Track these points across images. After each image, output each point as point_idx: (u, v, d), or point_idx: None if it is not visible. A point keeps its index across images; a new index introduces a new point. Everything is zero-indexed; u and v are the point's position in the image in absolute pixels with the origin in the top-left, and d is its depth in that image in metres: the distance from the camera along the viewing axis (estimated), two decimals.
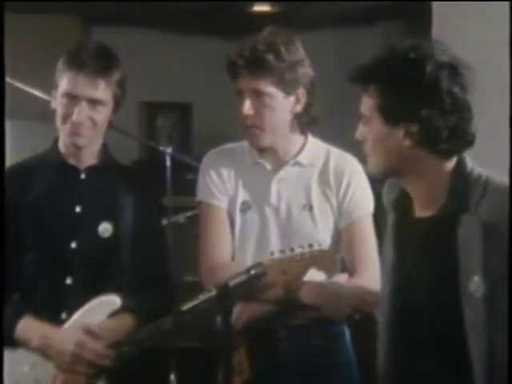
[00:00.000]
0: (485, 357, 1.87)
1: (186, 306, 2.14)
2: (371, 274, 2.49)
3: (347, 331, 2.58)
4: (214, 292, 2.16)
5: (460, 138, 1.91)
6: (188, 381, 3.71)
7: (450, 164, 1.97)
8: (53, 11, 5.51)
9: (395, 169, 1.97)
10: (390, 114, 1.90)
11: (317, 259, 2.24)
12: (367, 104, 1.96)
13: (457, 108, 1.88)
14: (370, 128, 1.96)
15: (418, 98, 1.86)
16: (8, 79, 2.65)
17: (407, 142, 1.91)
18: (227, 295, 2.14)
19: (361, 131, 2.00)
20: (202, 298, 2.16)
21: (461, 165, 1.97)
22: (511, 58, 2.70)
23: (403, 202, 2.07)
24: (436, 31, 3.83)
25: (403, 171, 1.97)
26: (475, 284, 1.87)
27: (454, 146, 1.92)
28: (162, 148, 3.96)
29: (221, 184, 2.55)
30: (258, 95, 2.46)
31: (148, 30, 6.11)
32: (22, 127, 4.61)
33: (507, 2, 2.94)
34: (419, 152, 1.93)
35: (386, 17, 5.77)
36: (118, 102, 2.55)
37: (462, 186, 1.94)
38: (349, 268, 2.53)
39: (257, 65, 2.43)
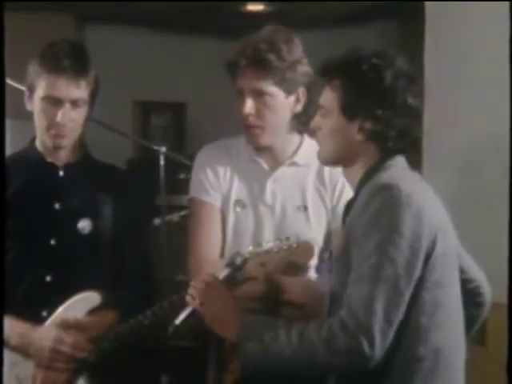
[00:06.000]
0: None
1: (178, 320, 2.13)
2: None
3: None
4: None
5: (405, 140, 2.08)
6: (178, 379, 3.71)
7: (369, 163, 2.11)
8: (46, 10, 5.51)
9: (342, 159, 2.13)
10: (349, 109, 2.06)
11: (294, 251, 2.24)
12: (329, 96, 2.11)
13: (408, 113, 2.06)
14: (327, 119, 2.11)
15: (376, 99, 2.04)
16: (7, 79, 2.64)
17: (360, 136, 2.07)
18: None
19: (317, 121, 2.15)
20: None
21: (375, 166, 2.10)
22: (510, 59, 2.71)
23: None
24: (428, 31, 3.85)
25: (348, 162, 2.12)
26: None
27: (399, 146, 2.08)
28: (155, 147, 3.97)
29: (215, 181, 2.54)
30: (259, 95, 2.45)
31: (142, 29, 6.11)
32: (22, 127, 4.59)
33: (498, 2, 2.96)
34: (368, 147, 2.08)
35: (380, 17, 5.78)
36: (94, 98, 2.55)
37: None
38: None
39: (259, 64, 2.42)
